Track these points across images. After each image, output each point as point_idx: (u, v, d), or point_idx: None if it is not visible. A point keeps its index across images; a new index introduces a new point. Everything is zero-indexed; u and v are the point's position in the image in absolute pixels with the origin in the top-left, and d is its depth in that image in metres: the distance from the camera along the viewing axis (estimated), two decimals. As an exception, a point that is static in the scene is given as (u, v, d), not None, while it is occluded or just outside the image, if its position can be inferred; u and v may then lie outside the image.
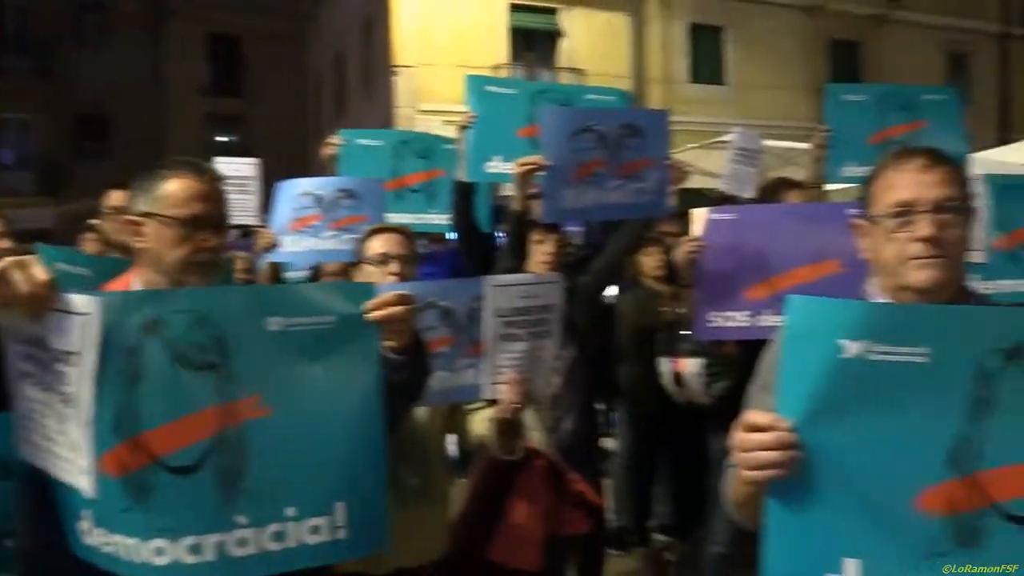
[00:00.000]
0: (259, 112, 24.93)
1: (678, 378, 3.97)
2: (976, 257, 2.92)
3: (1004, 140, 14.02)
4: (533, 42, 17.79)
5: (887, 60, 19.99)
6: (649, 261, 4.63)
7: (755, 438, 1.21)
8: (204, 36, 25.33)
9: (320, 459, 1.60)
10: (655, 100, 17.55)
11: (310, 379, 1.59)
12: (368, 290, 1.72)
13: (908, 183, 1.54)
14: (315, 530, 1.58)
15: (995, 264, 3.00)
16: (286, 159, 13.94)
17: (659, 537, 4.89)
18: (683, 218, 3.58)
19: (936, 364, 1.15)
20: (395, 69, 16.87)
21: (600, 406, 4.38)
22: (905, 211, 1.52)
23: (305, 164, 17.97)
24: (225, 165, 4.13)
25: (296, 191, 3.90)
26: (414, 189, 4.34)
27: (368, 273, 2.50)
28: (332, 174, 4.16)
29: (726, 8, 18.74)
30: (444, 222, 4.28)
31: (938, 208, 1.51)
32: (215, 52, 25.37)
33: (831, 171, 3.79)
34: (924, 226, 1.50)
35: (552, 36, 17.86)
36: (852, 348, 1.16)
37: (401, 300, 1.72)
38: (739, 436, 1.25)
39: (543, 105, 3.54)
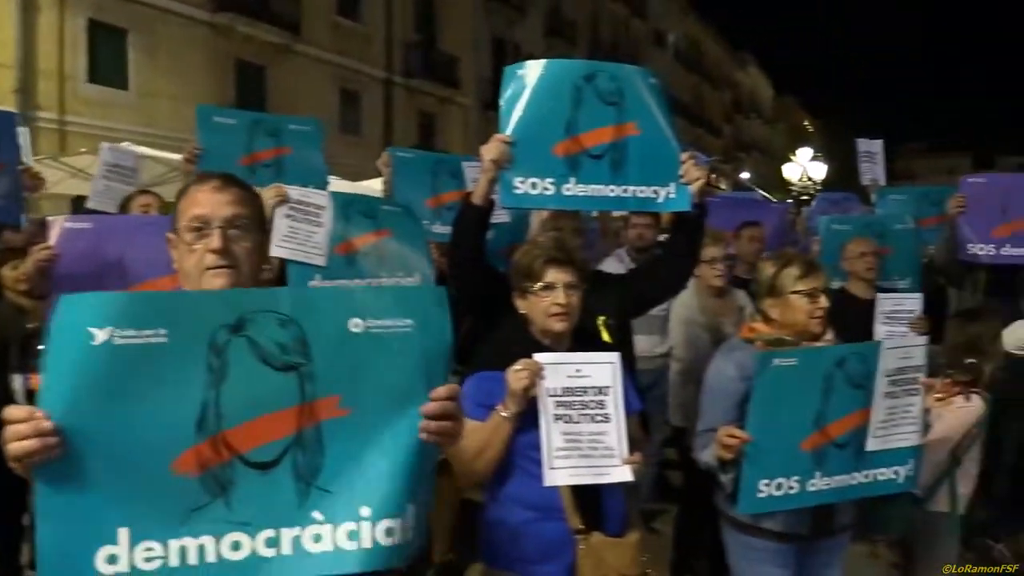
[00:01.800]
0: None
1: (31, 396, 3.75)
2: (319, 261, 3.40)
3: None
4: None
5: (290, 88, 21.27)
6: (12, 274, 4.25)
7: (14, 429, 1.28)
8: None
9: None
10: (47, 96, 15.96)
11: None
12: None
13: (204, 201, 1.75)
14: None
15: (335, 266, 3.48)
16: None
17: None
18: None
19: (174, 343, 1.33)
20: None
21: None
22: (201, 226, 1.74)
23: None
24: None
25: None
26: None
27: None
28: None
29: (129, 10, 17.86)
30: None
31: (228, 224, 1.74)
32: None
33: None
34: (215, 240, 1.72)
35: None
36: (100, 335, 1.29)
37: None
38: (4, 430, 1.29)
39: None
